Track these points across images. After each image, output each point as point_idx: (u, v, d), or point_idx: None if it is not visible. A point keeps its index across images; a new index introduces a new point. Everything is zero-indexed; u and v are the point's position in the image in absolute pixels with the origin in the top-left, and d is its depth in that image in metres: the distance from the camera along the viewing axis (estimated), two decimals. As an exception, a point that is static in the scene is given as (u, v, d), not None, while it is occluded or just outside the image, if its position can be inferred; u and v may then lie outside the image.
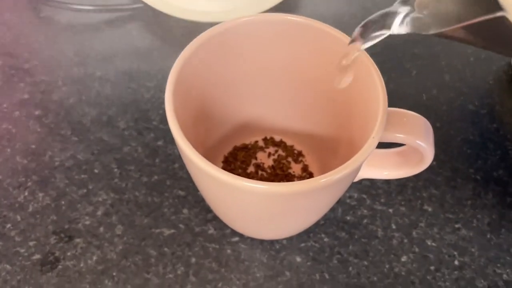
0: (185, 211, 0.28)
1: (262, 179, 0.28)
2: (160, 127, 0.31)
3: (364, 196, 0.29)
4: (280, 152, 0.29)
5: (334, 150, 0.25)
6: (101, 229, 0.27)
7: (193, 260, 0.26)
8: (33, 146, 0.30)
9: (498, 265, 0.27)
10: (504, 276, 0.27)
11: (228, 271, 0.26)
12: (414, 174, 0.24)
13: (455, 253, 0.27)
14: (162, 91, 0.28)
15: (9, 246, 0.26)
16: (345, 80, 0.21)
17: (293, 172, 0.28)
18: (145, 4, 0.36)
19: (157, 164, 0.30)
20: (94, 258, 0.26)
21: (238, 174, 0.22)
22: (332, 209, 0.28)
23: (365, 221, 0.28)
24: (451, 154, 0.31)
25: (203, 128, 0.25)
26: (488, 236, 0.28)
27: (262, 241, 0.27)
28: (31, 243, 0.27)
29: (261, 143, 0.29)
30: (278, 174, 0.28)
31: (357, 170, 0.20)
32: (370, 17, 0.19)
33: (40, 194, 0.28)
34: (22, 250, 0.26)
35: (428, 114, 0.32)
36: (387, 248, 0.27)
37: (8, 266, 0.26)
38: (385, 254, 0.27)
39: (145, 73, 0.34)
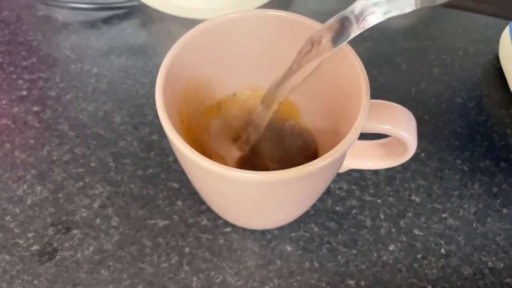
0: (179, 203, 0.29)
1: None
2: (155, 122, 0.32)
3: (353, 187, 0.30)
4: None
5: (320, 142, 0.26)
6: (98, 220, 0.28)
7: (187, 250, 0.27)
8: (32, 141, 0.31)
9: (484, 253, 0.28)
10: (490, 263, 0.27)
11: (220, 260, 0.27)
12: (398, 164, 0.24)
13: (442, 241, 0.28)
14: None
15: (8, 238, 0.27)
16: None
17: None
18: (141, 2, 0.37)
19: (152, 158, 0.30)
20: (91, 248, 0.27)
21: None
22: (322, 200, 0.29)
23: (354, 211, 0.29)
24: (439, 146, 0.31)
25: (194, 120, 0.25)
26: (474, 225, 0.28)
27: (253, 231, 0.28)
28: (29, 235, 0.28)
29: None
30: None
31: (341, 159, 0.20)
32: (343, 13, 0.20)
33: (39, 187, 0.29)
34: (21, 241, 0.27)
35: (417, 107, 0.33)
36: (375, 237, 0.28)
37: (7, 257, 0.27)
38: (373, 243, 0.28)
39: (140, 70, 0.35)
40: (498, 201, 0.29)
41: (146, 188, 0.29)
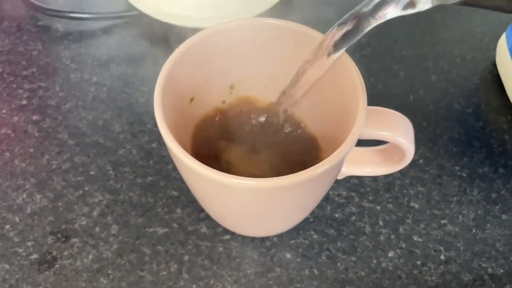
0: (178, 210, 0.29)
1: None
2: (154, 130, 0.32)
3: (353, 194, 0.30)
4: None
5: (325, 149, 0.26)
6: (97, 229, 0.28)
7: (186, 257, 0.27)
8: (31, 150, 0.31)
9: (483, 259, 0.28)
10: (489, 270, 0.27)
11: (220, 268, 0.27)
12: (397, 170, 0.24)
13: (441, 248, 0.28)
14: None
15: (8, 246, 0.27)
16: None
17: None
18: (140, 12, 0.37)
19: (151, 166, 0.30)
20: (90, 257, 0.27)
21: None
22: (321, 207, 0.29)
23: (353, 218, 0.29)
24: (437, 152, 0.31)
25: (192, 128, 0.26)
26: (474, 231, 0.28)
27: (253, 239, 0.28)
28: (29, 243, 0.28)
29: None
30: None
31: (339, 165, 0.20)
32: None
33: (38, 196, 0.29)
34: (21, 250, 0.27)
35: (415, 113, 0.33)
36: (375, 244, 0.28)
37: (7, 266, 0.27)
38: (373, 250, 0.28)
39: (139, 78, 0.35)
40: (497, 207, 0.29)
41: (145, 196, 0.29)
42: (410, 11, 0.19)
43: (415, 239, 0.28)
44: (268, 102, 0.27)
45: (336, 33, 0.21)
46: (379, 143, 0.25)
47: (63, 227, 0.28)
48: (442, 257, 0.27)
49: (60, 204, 0.29)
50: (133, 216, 0.29)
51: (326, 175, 0.20)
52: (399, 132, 0.22)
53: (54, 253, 0.27)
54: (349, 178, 0.30)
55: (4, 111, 0.33)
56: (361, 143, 0.26)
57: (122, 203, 0.29)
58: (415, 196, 0.30)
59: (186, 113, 0.25)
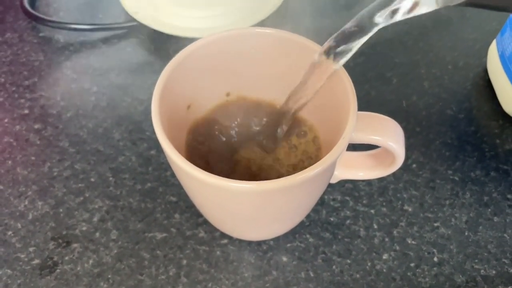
0: (176, 216, 0.29)
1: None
2: (153, 137, 0.33)
3: (347, 198, 0.30)
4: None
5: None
6: (97, 234, 0.29)
7: (184, 262, 0.28)
8: (33, 158, 0.32)
9: (476, 261, 0.28)
10: (482, 271, 0.28)
11: (217, 272, 0.27)
12: (388, 174, 0.25)
13: (434, 250, 0.28)
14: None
15: (10, 252, 0.28)
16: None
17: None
18: (139, 23, 0.38)
19: (150, 172, 0.31)
20: (91, 261, 0.28)
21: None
22: (316, 211, 0.29)
23: (348, 221, 0.29)
24: (430, 157, 0.32)
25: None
26: (466, 233, 0.29)
27: (250, 243, 0.28)
28: (31, 249, 0.28)
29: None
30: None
31: (331, 168, 0.21)
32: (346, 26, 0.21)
33: (40, 203, 0.30)
34: (23, 256, 0.28)
35: (408, 119, 0.34)
36: (369, 247, 0.28)
37: (9, 271, 0.27)
38: (367, 253, 0.28)
39: (138, 87, 0.36)
40: (489, 209, 0.30)
41: (144, 202, 0.30)
42: (413, 13, 0.20)
43: (409, 241, 0.29)
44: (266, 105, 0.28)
45: (335, 42, 0.21)
46: (372, 148, 0.25)
47: (64, 232, 0.29)
48: (435, 259, 0.28)
49: (61, 210, 0.30)
50: (133, 222, 0.29)
51: (319, 177, 0.21)
52: (390, 137, 0.23)
53: (55, 258, 0.28)
54: (344, 183, 0.31)
55: (6, 120, 0.34)
56: (356, 148, 0.27)
57: (121, 209, 0.30)
58: (409, 199, 0.30)
59: (184, 119, 0.26)
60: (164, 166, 0.31)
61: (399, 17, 0.20)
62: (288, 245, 0.28)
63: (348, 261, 0.28)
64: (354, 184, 0.31)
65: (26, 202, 0.30)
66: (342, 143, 0.20)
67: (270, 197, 0.21)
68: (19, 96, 0.35)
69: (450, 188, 0.31)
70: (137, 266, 0.28)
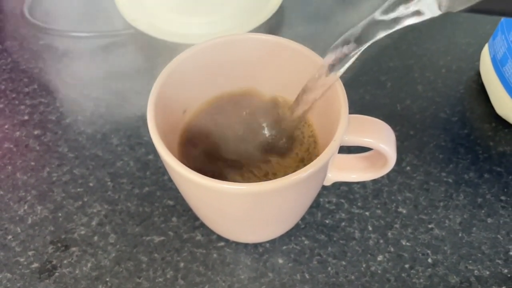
0: (174, 219, 0.30)
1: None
2: (151, 142, 0.32)
3: (342, 200, 0.31)
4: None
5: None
6: (96, 238, 0.29)
7: (182, 264, 0.28)
8: (33, 163, 0.32)
9: (470, 261, 0.28)
10: (476, 272, 0.28)
11: (214, 274, 0.28)
12: (380, 176, 0.25)
13: (429, 251, 0.29)
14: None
15: (9, 256, 0.28)
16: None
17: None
18: (137, 30, 0.39)
19: (147, 177, 0.32)
20: (89, 265, 0.28)
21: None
22: (312, 213, 0.30)
23: (343, 224, 0.30)
24: (424, 159, 0.32)
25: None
26: (460, 234, 0.29)
27: (246, 245, 0.29)
28: (30, 253, 0.29)
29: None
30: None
31: (324, 169, 0.21)
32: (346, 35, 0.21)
33: (39, 207, 0.30)
34: (22, 259, 0.28)
35: (402, 122, 0.34)
36: (364, 248, 0.29)
37: (8, 275, 0.28)
38: (362, 254, 0.29)
39: (137, 93, 0.36)
40: (483, 211, 0.30)
41: (142, 206, 0.30)
42: (417, 19, 0.19)
43: (403, 243, 0.29)
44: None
45: (335, 54, 0.21)
46: (365, 150, 0.26)
47: (63, 236, 0.29)
48: (429, 260, 0.28)
49: (60, 214, 0.30)
50: (131, 225, 0.30)
51: (312, 178, 0.21)
52: (381, 139, 0.23)
53: (54, 262, 0.28)
54: (338, 186, 0.31)
55: (6, 127, 0.34)
56: (350, 151, 0.27)
57: (120, 213, 0.30)
58: (403, 201, 0.31)
59: (180, 124, 0.26)
60: (162, 170, 0.32)
61: (400, 25, 0.19)
62: (284, 247, 0.29)
63: (343, 262, 0.28)
64: (349, 186, 0.31)
65: (26, 207, 0.30)
66: (333, 145, 0.21)
67: (263, 199, 0.21)
68: (19, 103, 0.36)
69: (444, 190, 0.31)
70: (135, 269, 0.28)
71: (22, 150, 0.33)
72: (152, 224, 0.30)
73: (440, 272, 0.28)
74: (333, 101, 0.24)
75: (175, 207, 0.30)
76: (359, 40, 0.21)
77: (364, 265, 0.28)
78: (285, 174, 0.20)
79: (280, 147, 0.27)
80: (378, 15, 0.20)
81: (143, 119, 0.35)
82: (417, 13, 0.19)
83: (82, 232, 0.29)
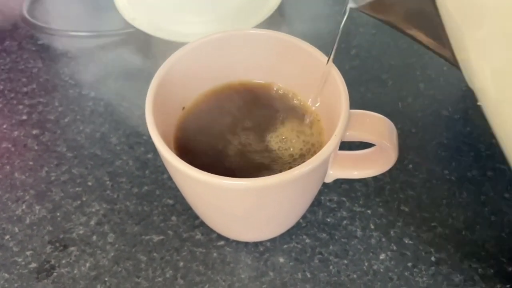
0: (173, 218, 0.29)
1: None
2: (150, 141, 0.32)
3: (344, 198, 0.30)
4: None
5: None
6: (94, 237, 0.29)
7: (181, 264, 0.28)
8: (31, 163, 0.32)
9: (474, 260, 0.28)
10: (480, 270, 0.28)
11: (214, 273, 0.27)
12: (382, 172, 0.25)
13: (432, 249, 0.28)
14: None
15: (7, 256, 0.28)
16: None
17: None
18: (136, 29, 0.38)
19: (147, 176, 0.31)
20: (87, 265, 0.28)
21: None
22: (313, 212, 0.30)
23: (344, 222, 0.29)
24: (427, 157, 0.32)
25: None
26: (463, 233, 0.29)
27: (246, 244, 0.28)
28: (28, 253, 0.28)
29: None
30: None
31: (324, 164, 0.21)
32: None
33: (37, 207, 0.30)
34: (20, 259, 0.28)
35: (404, 120, 0.34)
36: (366, 247, 0.28)
37: (6, 275, 0.27)
38: (364, 253, 0.28)
39: (136, 92, 0.36)
40: (486, 209, 0.30)
41: (141, 205, 0.30)
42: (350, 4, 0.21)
43: (406, 241, 0.29)
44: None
45: None
46: (367, 147, 0.25)
47: (61, 236, 0.29)
48: (432, 258, 0.28)
49: (58, 214, 0.30)
50: (130, 225, 0.29)
51: (312, 174, 0.21)
52: (383, 133, 0.23)
53: (52, 262, 0.28)
54: (340, 184, 0.31)
55: (5, 126, 0.34)
56: (351, 147, 0.27)
57: (118, 212, 0.30)
58: (405, 200, 0.30)
59: (179, 120, 0.26)
60: (161, 169, 0.31)
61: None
62: (285, 246, 0.28)
63: (345, 261, 0.28)
64: (350, 184, 0.31)
65: (24, 207, 0.30)
66: (334, 140, 0.21)
67: (263, 194, 0.21)
68: (17, 102, 0.35)
69: (447, 188, 0.31)
70: (134, 268, 0.28)
71: (20, 149, 0.33)
72: (151, 223, 0.29)
73: (443, 271, 0.28)
74: (334, 97, 0.23)
75: (175, 206, 0.30)
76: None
77: (366, 264, 0.28)
78: (285, 170, 0.20)
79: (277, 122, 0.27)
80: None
81: (142, 118, 0.34)
82: None
83: (81, 232, 0.29)
